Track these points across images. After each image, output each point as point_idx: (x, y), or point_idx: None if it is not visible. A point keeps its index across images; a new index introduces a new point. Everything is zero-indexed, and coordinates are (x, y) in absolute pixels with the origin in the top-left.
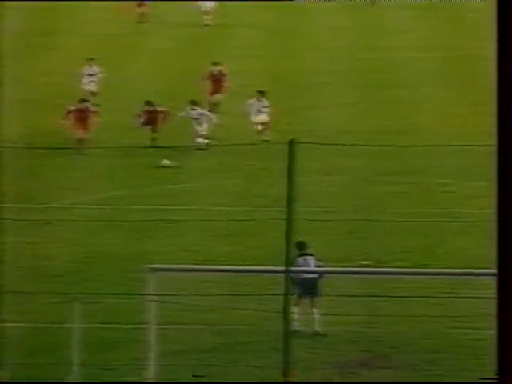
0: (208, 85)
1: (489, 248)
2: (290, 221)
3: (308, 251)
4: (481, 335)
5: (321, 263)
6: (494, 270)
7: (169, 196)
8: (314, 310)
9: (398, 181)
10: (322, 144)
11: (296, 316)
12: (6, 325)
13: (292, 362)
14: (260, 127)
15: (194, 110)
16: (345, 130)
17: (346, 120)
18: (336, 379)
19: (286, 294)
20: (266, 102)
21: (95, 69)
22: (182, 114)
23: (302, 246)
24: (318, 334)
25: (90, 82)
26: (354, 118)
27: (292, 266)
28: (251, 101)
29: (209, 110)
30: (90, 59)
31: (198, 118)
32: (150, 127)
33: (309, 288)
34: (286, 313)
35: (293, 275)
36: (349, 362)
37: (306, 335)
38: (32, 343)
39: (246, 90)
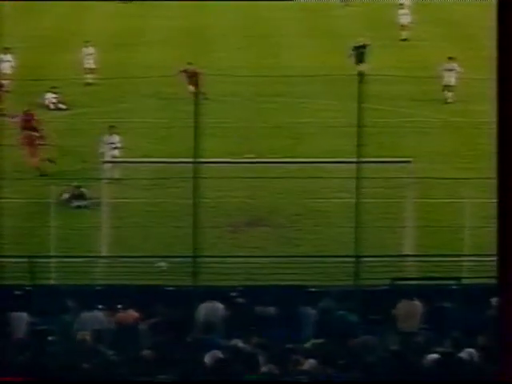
0: (184, 80)
1: (336, 144)
2: (196, 128)
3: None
4: (331, 203)
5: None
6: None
7: None
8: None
9: (272, 100)
10: (219, 75)
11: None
12: None
13: (199, 226)
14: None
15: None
16: (237, 66)
17: (238, 60)
18: (230, 235)
19: (193, 178)
20: (117, 138)
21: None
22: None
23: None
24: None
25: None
26: (244, 58)
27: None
28: (105, 137)
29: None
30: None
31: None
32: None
33: None
34: (194, 191)
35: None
36: (238, 222)
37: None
38: None
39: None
